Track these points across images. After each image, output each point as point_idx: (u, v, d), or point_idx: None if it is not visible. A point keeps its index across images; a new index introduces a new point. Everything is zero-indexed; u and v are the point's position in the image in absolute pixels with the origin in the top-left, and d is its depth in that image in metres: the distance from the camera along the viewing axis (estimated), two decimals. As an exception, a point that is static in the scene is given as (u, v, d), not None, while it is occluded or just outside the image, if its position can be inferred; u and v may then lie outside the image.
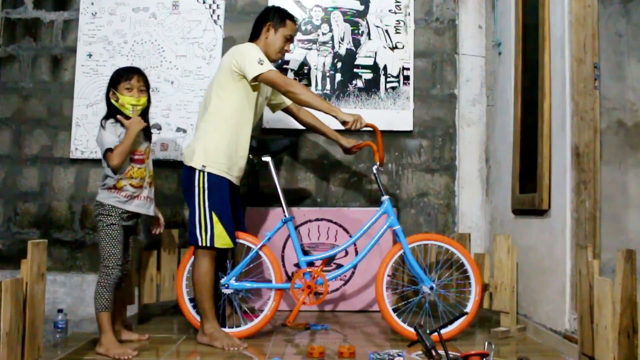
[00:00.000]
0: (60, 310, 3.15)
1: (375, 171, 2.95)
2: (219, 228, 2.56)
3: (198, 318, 2.68)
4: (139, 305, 3.10)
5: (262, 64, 2.60)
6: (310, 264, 2.81)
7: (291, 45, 2.91)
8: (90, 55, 3.66)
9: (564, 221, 2.53)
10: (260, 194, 3.63)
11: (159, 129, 3.62)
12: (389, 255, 2.72)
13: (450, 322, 2.65)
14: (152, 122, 3.60)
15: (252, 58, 2.61)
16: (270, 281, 2.79)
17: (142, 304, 3.09)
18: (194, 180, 2.59)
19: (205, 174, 2.58)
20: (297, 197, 3.63)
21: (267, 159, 2.87)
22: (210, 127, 2.64)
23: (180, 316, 3.05)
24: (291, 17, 2.86)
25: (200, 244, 2.56)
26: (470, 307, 2.69)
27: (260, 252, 2.78)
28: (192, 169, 2.61)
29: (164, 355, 2.41)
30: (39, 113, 3.68)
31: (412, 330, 2.54)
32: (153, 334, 2.79)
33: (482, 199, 3.68)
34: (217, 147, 2.61)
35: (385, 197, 2.85)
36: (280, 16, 2.82)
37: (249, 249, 2.80)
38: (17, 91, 3.70)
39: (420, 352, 2.37)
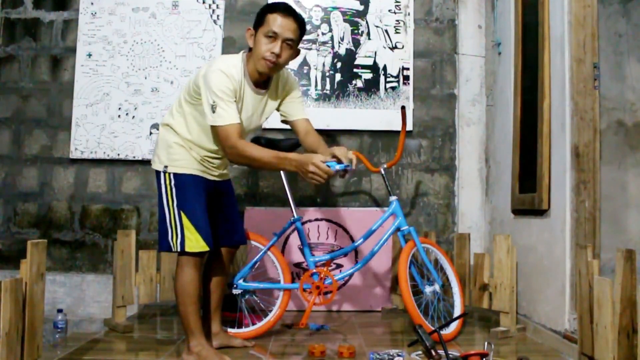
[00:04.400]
0: (60, 310, 3.16)
1: (383, 171, 2.96)
2: (190, 229, 2.24)
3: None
4: (139, 305, 3.09)
5: (213, 111, 2.17)
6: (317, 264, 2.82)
7: (277, 46, 2.23)
8: (89, 55, 3.66)
9: (563, 221, 2.53)
10: (260, 193, 3.63)
11: (159, 128, 3.62)
12: (407, 250, 2.72)
13: (451, 322, 2.65)
14: (151, 122, 3.63)
15: (207, 97, 2.19)
16: (272, 280, 2.79)
17: (142, 304, 3.09)
18: (160, 184, 2.32)
19: (170, 174, 2.30)
20: (296, 197, 3.63)
21: None
22: (173, 129, 2.36)
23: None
24: (272, 9, 2.27)
25: (172, 249, 2.26)
26: (458, 305, 2.76)
27: (269, 252, 2.78)
28: (158, 173, 2.33)
29: (164, 355, 2.41)
30: (39, 113, 3.68)
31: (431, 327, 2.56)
32: (153, 334, 2.79)
33: (481, 199, 3.68)
34: (178, 143, 2.32)
35: (393, 198, 2.86)
36: (260, 15, 2.29)
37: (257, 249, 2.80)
38: (16, 91, 3.70)
39: (420, 352, 2.37)
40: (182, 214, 2.24)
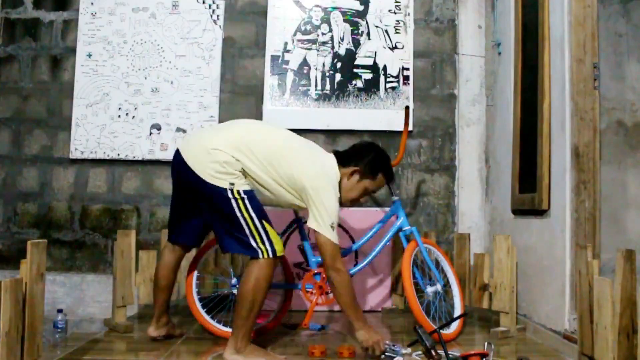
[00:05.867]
0: (60, 311, 3.16)
1: None
2: (274, 236, 2.34)
3: (206, 316, 2.68)
4: (139, 306, 3.09)
5: (333, 229, 2.30)
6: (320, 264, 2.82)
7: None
8: (89, 55, 3.66)
9: (563, 221, 2.53)
10: (260, 194, 3.62)
11: (159, 129, 3.62)
12: (410, 250, 2.72)
13: (451, 322, 2.65)
14: (151, 122, 3.63)
15: (325, 214, 2.30)
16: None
17: (142, 304, 3.09)
18: (227, 198, 2.30)
19: (239, 190, 2.31)
20: (296, 197, 3.63)
21: None
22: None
23: (180, 316, 3.05)
24: (386, 172, 2.55)
25: (263, 256, 2.29)
26: (458, 306, 2.77)
27: None
28: (221, 189, 2.31)
29: (164, 355, 2.41)
30: (39, 113, 3.68)
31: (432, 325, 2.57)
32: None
33: (481, 199, 3.68)
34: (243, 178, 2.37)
35: (395, 198, 2.86)
36: (374, 168, 2.50)
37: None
38: (16, 91, 3.70)
39: (420, 352, 2.37)
40: (264, 223, 2.31)
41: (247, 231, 2.30)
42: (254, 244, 2.29)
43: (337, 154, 2.50)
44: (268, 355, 2.29)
